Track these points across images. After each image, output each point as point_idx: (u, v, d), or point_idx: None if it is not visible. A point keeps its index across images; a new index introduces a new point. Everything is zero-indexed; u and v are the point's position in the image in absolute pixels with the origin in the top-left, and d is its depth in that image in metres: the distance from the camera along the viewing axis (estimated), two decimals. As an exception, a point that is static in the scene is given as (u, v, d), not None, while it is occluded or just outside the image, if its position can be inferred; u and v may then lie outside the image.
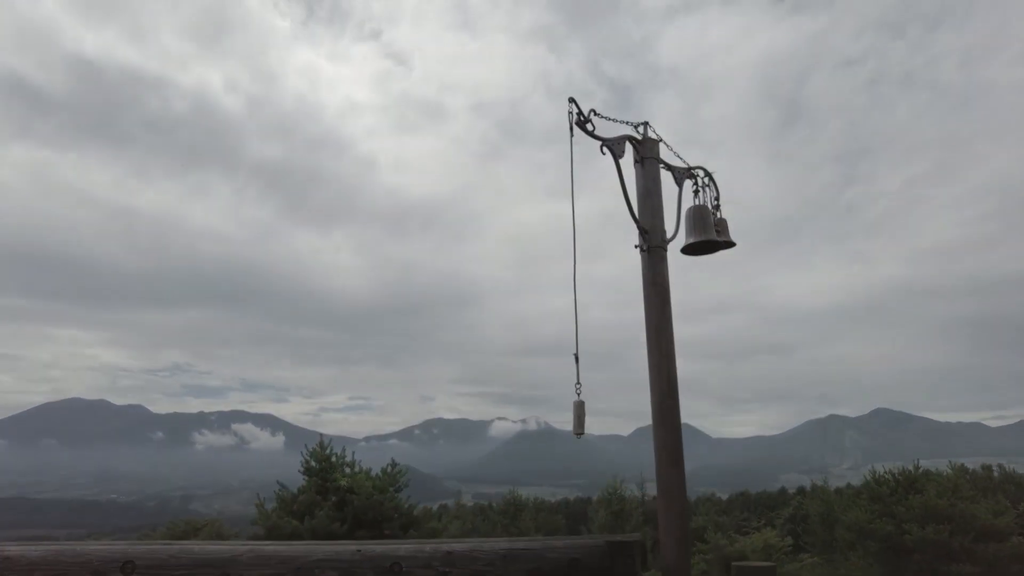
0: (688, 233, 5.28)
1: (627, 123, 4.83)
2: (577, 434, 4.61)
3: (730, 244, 5.62)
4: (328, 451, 29.47)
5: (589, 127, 4.48)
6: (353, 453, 30.92)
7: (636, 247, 4.61)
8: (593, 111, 4.47)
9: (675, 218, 5.14)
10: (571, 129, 4.47)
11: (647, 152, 4.78)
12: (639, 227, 4.56)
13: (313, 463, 29.58)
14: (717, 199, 5.71)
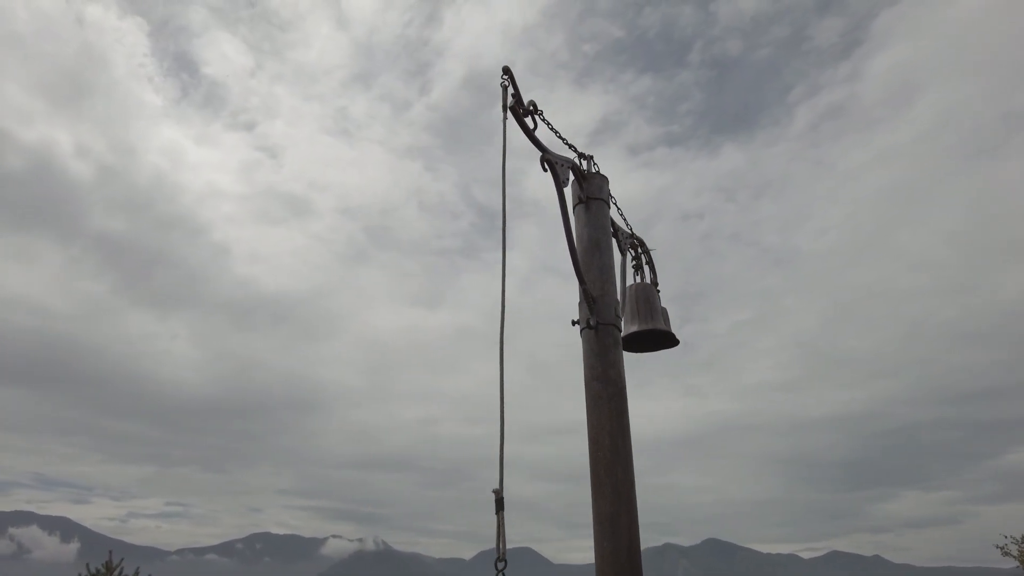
0: (629, 318, 3.84)
1: (569, 145, 3.38)
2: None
3: (675, 341, 4.22)
4: (117, 571, 23.95)
5: (529, 123, 3.04)
6: (149, 576, 25.24)
7: (574, 323, 3.11)
8: (534, 104, 3.07)
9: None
10: (504, 110, 3.03)
11: (595, 191, 3.36)
12: (585, 292, 3.07)
13: (93, 590, 23.70)
14: (657, 285, 4.39)
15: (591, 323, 3.02)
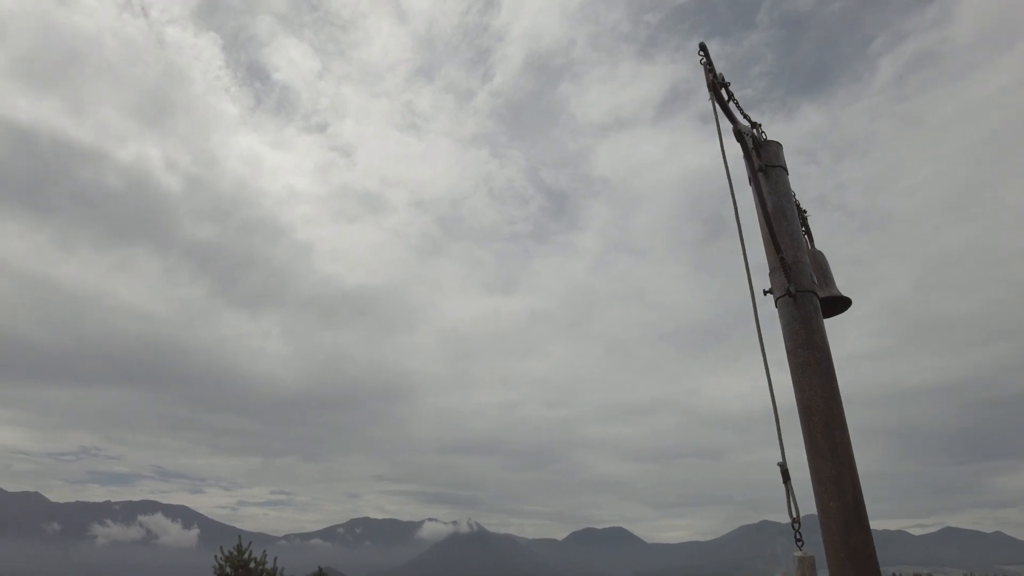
0: (803, 285, 3.80)
1: (744, 115, 3.32)
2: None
3: (848, 305, 4.17)
4: (247, 554, 25.58)
5: (724, 95, 3.05)
6: (276, 559, 26.92)
7: (767, 292, 3.11)
8: (722, 77, 3.05)
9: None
10: (709, 88, 3.02)
11: (772, 158, 3.30)
12: (781, 260, 3.06)
13: (228, 569, 25.48)
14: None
15: (790, 291, 3.02)
